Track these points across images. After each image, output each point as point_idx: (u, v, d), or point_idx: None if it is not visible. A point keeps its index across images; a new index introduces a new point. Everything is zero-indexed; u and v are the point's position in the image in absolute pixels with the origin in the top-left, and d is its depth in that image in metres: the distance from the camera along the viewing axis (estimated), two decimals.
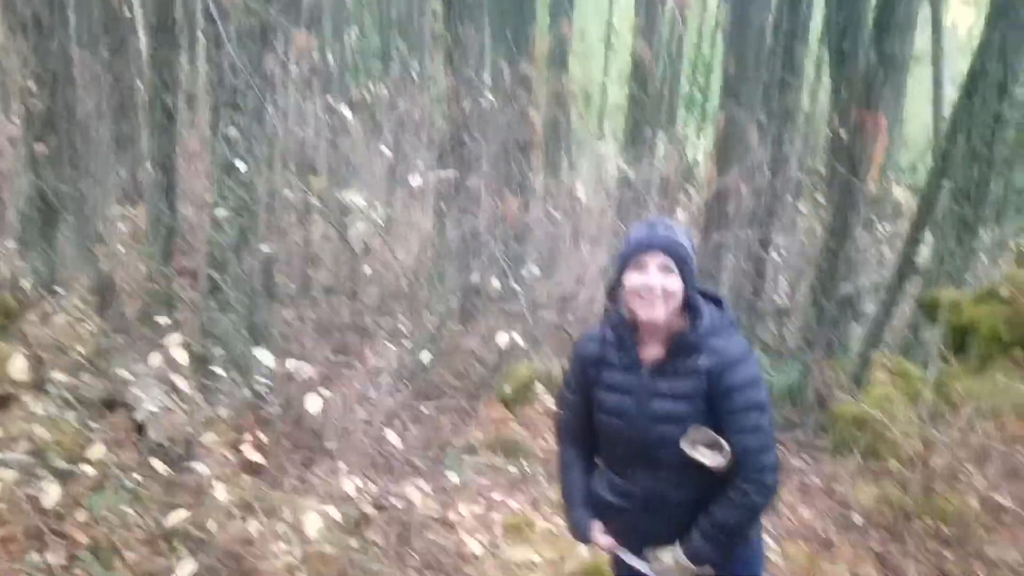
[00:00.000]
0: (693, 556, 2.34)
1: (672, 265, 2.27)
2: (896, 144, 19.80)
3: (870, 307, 13.53)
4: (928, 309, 7.91)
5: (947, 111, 11.05)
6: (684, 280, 2.28)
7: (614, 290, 2.41)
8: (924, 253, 10.11)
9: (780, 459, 2.37)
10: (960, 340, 6.95)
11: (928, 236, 10.30)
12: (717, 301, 2.42)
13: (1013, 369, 6.06)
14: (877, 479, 5.70)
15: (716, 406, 2.27)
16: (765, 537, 4.71)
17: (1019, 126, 15.83)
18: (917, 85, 23.30)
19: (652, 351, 2.36)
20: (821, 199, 13.04)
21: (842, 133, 8.04)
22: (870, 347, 8.31)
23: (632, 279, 2.30)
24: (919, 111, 26.80)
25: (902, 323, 9.97)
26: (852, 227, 8.67)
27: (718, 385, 2.26)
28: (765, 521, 4.96)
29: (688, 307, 2.32)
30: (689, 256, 2.32)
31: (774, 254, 11.46)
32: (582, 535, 2.57)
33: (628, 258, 2.31)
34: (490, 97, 7.15)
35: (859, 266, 14.91)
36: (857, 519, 4.85)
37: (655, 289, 2.26)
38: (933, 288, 7.86)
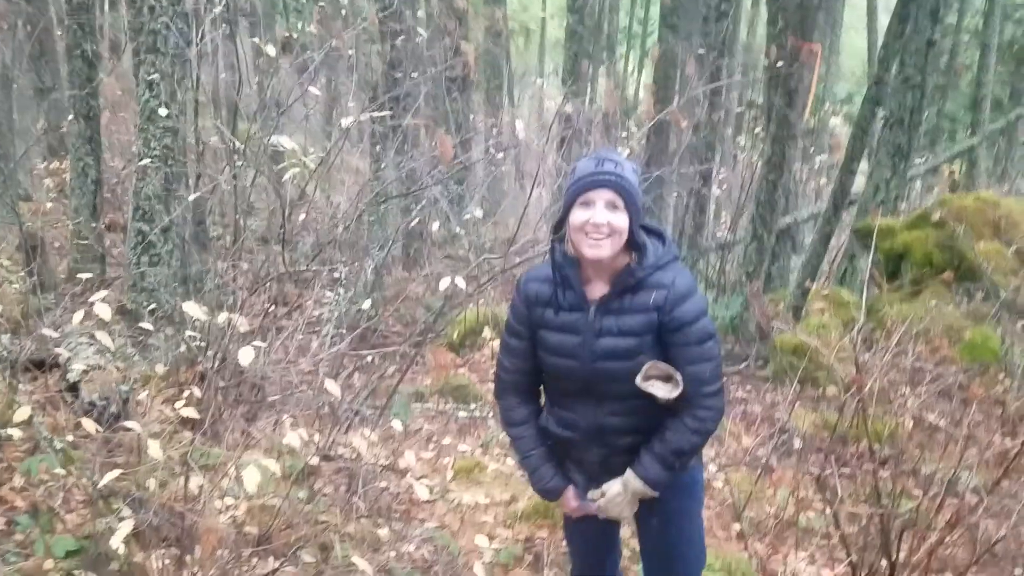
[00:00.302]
0: (643, 478, 2.36)
1: (619, 202, 2.23)
2: (832, 74, 20.01)
3: (808, 238, 13.81)
4: (863, 237, 8.07)
5: (880, 40, 11.13)
6: (630, 217, 2.25)
7: (560, 226, 2.37)
8: (859, 183, 10.30)
9: (724, 387, 2.40)
10: (894, 266, 7.13)
11: (863, 166, 10.48)
12: (660, 235, 2.40)
13: (944, 292, 6.24)
14: (815, 405, 5.87)
15: (667, 340, 2.28)
16: (710, 466, 4.83)
17: (952, 52, 16.08)
18: (853, 13, 23.47)
19: (597, 288, 2.34)
20: (759, 132, 13.15)
21: (778, 63, 8.02)
22: (808, 278, 8.46)
23: (578, 216, 2.25)
24: (854, 41, 27.05)
25: (839, 253, 10.18)
26: (790, 159, 8.72)
27: (669, 320, 2.25)
28: (710, 451, 5.07)
29: (633, 243, 2.30)
30: (636, 192, 2.28)
31: (715, 189, 11.56)
32: (551, 497, 2.56)
33: (575, 194, 2.27)
34: (422, 32, 6.94)
35: (797, 198, 15.16)
36: (797, 444, 4.98)
37: (602, 226, 2.22)
38: (868, 216, 8.00)
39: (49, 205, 9.71)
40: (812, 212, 12.33)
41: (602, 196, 2.23)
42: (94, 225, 7.95)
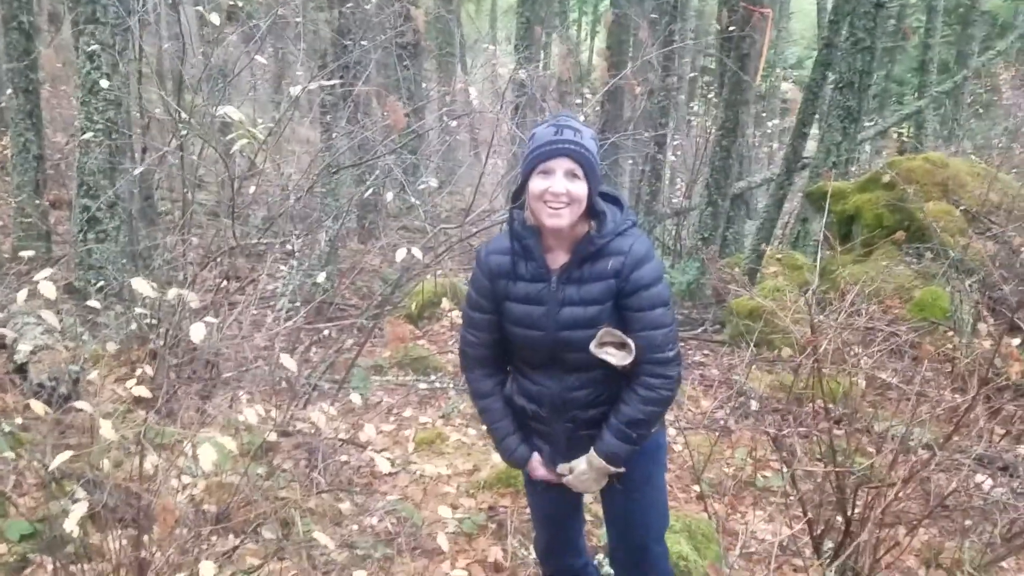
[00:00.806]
0: (606, 455, 2.37)
1: (579, 171, 2.21)
2: (783, 39, 20.16)
3: (762, 203, 13.97)
4: (815, 200, 8.17)
5: (830, 4, 11.22)
6: (589, 185, 2.23)
7: (519, 195, 2.34)
8: (811, 147, 10.42)
9: (681, 353, 2.40)
10: (846, 228, 7.24)
11: (815, 130, 10.60)
12: (617, 202, 2.39)
13: (895, 252, 6.35)
14: (771, 367, 5.96)
15: (621, 304, 2.27)
16: (669, 430, 4.89)
17: (899, 16, 16.26)
18: None
19: (559, 257, 2.32)
20: (713, 97, 13.22)
21: (730, 28, 8.04)
22: (762, 241, 8.57)
23: (537, 185, 2.23)
24: (803, 4, 27.24)
25: (792, 216, 10.32)
26: (743, 124, 8.79)
27: (625, 283, 2.25)
28: (669, 415, 5.11)
29: (592, 211, 2.28)
30: (595, 161, 2.26)
31: (670, 155, 11.60)
32: (519, 465, 2.56)
33: (533, 163, 2.24)
34: None
35: (750, 163, 15.32)
36: (754, 406, 5.06)
37: (561, 195, 2.20)
38: (820, 180, 8.10)
39: None
40: (765, 177, 12.47)
41: (561, 165, 2.21)
42: (37, 202, 7.72)
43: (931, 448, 2.98)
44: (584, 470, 2.43)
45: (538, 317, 2.31)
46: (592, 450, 2.40)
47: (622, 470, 2.40)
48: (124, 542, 2.95)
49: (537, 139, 2.26)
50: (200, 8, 5.39)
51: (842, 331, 3.46)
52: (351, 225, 9.92)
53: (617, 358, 2.27)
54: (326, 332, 5.34)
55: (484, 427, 2.62)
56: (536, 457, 2.52)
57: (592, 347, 2.27)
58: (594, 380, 2.34)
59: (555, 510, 2.67)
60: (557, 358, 2.33)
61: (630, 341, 2.26)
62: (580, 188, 2.22)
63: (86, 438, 3.79)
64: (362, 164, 6.27)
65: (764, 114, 18.10)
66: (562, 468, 2.49)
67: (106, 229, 5.68)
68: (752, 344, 4.37)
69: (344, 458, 4.46)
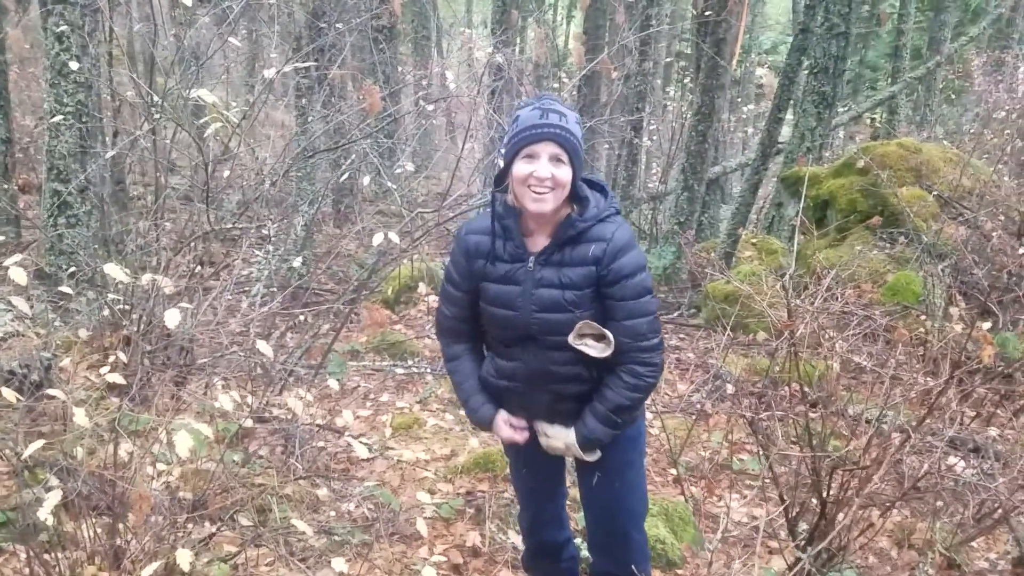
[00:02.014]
0: (586, 439, 2.38)
1: (563, 155, 2.21)
2: (758, 24, 20.22)
3: (737, 187, 14.03)
4: (790, 185, 8.23)
5: None
6: (573, 170, 2.23)
7: (503, 178, 2.32)
8: (785, 133, 10.47)
9: (662, 342, 2.41)
10: (820, 213, 7.29)
11: (789, 116, 10.65)
12: (602, 189, 2.38)
13: (868, 237, 6.41)
14: (746, 351, 6.01)
15: (604, 293, 2.27)
16: (646, 413, 4.91)
17: (873, 1, 16.34)
18: None
19: (539, 240, 2.32)
20: (688, 82, 13.24)
21: (707, 13, 8.04)
22: (738, 226, 8.61)
23: (522, 169, 2.22)
24: None
25: (766, 201, 10.38)
26: (719, 109, 8.81)
27: (607, 272, 2.25)
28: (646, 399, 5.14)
29: (575, 196, 2.27)
30: (580, 145, 2.25)
31: (646, 140, 11.62)
32: (484, 424, 2.55)
33: (517, 146, 2.22)
34: None
35: (725, 148, 15.37)
36: (729, 389, 5.10)
37: (545, 180, 2.19)
38: (795, 165, 8.15)
39: None
40: (740, 162, 12.52)
41: (546, 150, 2.20)
42: (6, 186, 7.57)
43: (905, 431, 3.02)
44: (559, 446, 2.45)
45: (513, 297, 2.31)
46: (573, 431, 2.40)
47: (596, 457, 2.41)
48: (99, 530, 2.93)
49: (522, 122, 2.24)
50: None
51: (818, 315, 3.49)
52: (327, 209, 9.85)
53: (596, 350, 2.28)
54: (302, 317, 5.30)
55: (453, 387, 2.62)
56: (502, 414, 2.51)
57: (571, 339, 2.28)
58: (572, 359, 2.33)
59: (539, 485, 2.69)
60: (534, 339, 2.33)
61: (609, 334, 2.26)
62: (565, 173, 2.21)
63: (59, 426, 3.75)
64: (338, 148, 6.21)
65: (739, 99, 18.17)
66: (540, 427, 2.49)
67: (77, 214, 5.59)
68: (728, 328, 4.39)
69: (321, 444, 4.44)
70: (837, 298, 3.92)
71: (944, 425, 3.49)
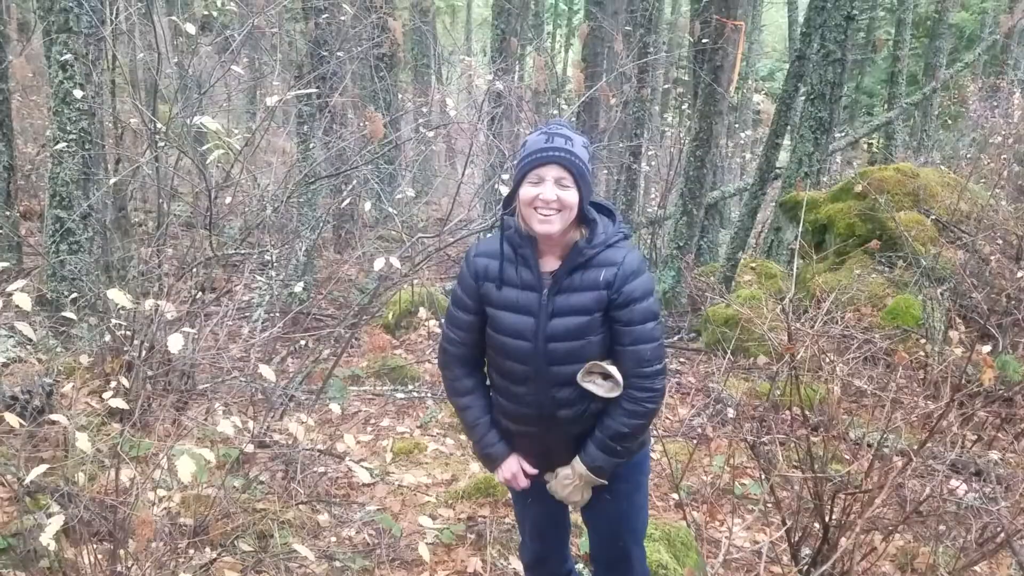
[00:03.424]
0: (591, 467, 2.37)
1: (568, 179, 2.22)
2: (754, 51, 20.40)
3: (734, 212, 14.09)
4: (788, 210, 8.27)
5: (801, 16, 11.37)
6: (580, 193, 2.24)
7: (510, 201, 2.34)
8: (783, 158, 10.55)
9: (665, 369, 2.41)
10: (819, 237, 7.33)
11: (787, 141, 10.73)
12: (609, 212, 2.40)
13: (867, 261, 6.44)
14: (747, 374, 6.01)
15: (612, 316, 2.27)
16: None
17: (868, 28, 16.50)
18: None
19: (548, 262, 2.33)
20: (686, 108, 13.34)
21: (704, 40, 8.13)
22: (737, 250, 8.64)
23: (528, 192, 2.24)
24: (775, 17, 27.57)
25: (765, 225, 10.42)
26: (716, 134, 8.86)
27: (617, 296, 2.25)
28: (648, 426, 5.13)
29: (583, 219, 2.29)
30: (586, 168, 2.27)
31: (644, 165, 11.68)
32: (495, 463, 2.51)
33: (524, 170, 2.24)
34: (348, 8, 6.78)
35: (723, 173, 15.46)
36: (730, 413, 5.09)
37: (551, 202, 2.21)
38: (792, 190, 8.20)
39: None
40: (739, 186, 12.59)
41: (551, 172, 2.22)
42: (8, 213, 7.61)
43: (906, 454, 3.02)
44: (568, 475, 2.42)
45: (525, 328, 2.30)
46: (576, 460, 2.40)
47: (606, 482, 2.41)
48: (99, 556, 2.91)
49: (528, 147, 2.27)
50: (175, 18, 5.36)
51: (819, 338, 3.51)
52: (327, 235, 9.88)
53: (604, 389, 2.28)
54: (302, 342, 5.31)
55: (463, 426, 2.60)
56: (513, 457, 2.49)
57: (579, 377, 2.28)
58: (582, 395, 2.32)
59: (544, 522, 2.67)
60: (542, 372, 2.31)
61: (617, 374, 2.26)
62: (571, 195, 2.23)
63: (59, 451, 3.74)
64: (339, 175, 6.26)
65: (737, 125, 18.30)
66: (547, 476, 2.49)
67: (79, 240, 5.62)
68: (729, 352, 4.40)
69: (321, 469, 4.43)
70: (837, 321, 3.93)
71: (945, 448, 3.49)
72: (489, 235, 2.46)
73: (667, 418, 5.44)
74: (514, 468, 2.49)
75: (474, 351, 2.47)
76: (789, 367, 3.26)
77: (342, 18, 7.03)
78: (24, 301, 2.88)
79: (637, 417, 2.30)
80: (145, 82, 8.82)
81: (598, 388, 2.28)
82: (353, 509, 4.07)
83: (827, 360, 3.88)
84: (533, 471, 2.50)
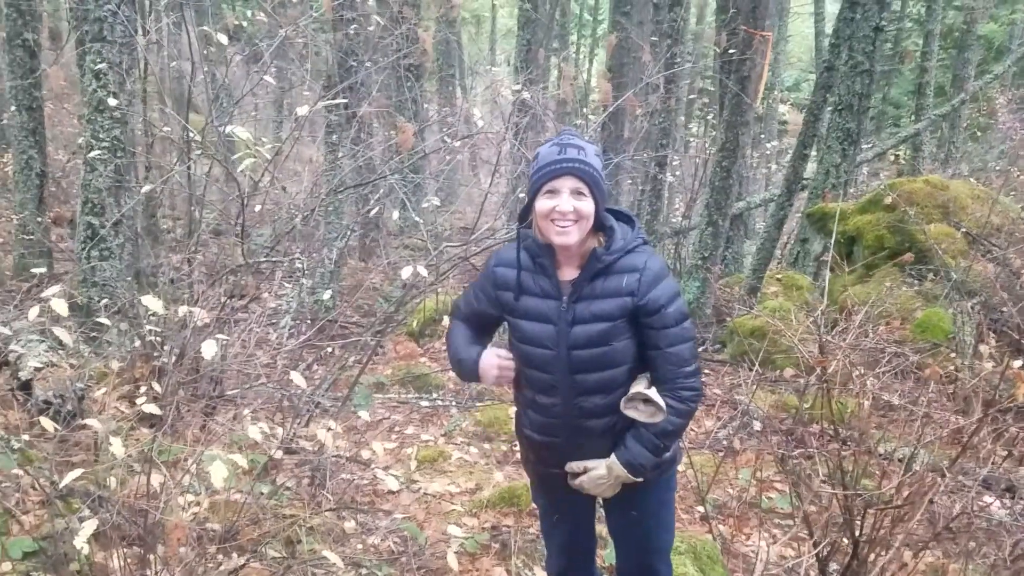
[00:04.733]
0: (629, 463, 2.34)
1: (584, 188, 2.23)
2: (780, 62, 20.32)
3: (759, 223, 14.01)
4: (816, 221, 8.22)
5: (828, 27, 11.31)
6: (596, 202, 2.25)
7: (526, 214, 2.35)
8: (810, 168, 10.48)
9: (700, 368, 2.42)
10: (847, 249, 7.27)
11: (813, 153, 10.66)
12: (629, 220, 2.40)
13: (896, 273, 6.37)
14: (773, 387, 5.96)
15: (643, 323, 2.27)
16: None
17: (896, 39, 16.41)
18: (798, 1, 23.82)
19: (567, 274, 2.33)
20: (711, 119, 13.30)
21: (730, 51, 8.11)
22: (763, 261, 8.59)
23: (544, 204, 2.25)
24: (801, 28, 27.45)
25: (791, 237, 10.36)
26: (743, 145, 8.83)
27: (645, 303, 2.25)
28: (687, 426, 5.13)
29: (601, 227, 2.30)
30: (600, 177, 2.28)
31: (669, 175, 11.66)
32: (473, 367, 2.43)
33: (539, 183, 2.26)
34: (378, 19, 6.84)
35: (749, 184, 15.39)
36: (757, 426, 5.06)
37: (568, 214, 2.22)
38: (819, 201, 8.14)
39: None
40: (764, 197, 12.52)
41: (567, 184, 2.23)
42: (40, 220, 7.74)
43: (938, 470, 2.98)
44: (603, 475, 2.39)
45: (547, 336, 2.31)
46: (613, 456, 2.37)
47: (639, 480, 2.39)
48: (129, 560, 2.94)
49: (541, 159, 2.28)
50: (206, 28, 5.44)
51: (850, 352, 3.47)
52: (352, 243, 9.94)
53: (646, 415, 2.29)
54: (329, 349, 5.34)
55: (449, 356, 2.58)
56: (489, 350, 2.44)
57: (621, 405, 2.30)
58: (609, 406, 2.32)
59: (571, 538, 2.66)
60: (566, 381, 2.32)
61: (658, 399, 2.27)
62: (587, 205, 2.24)
63: (90, 455, 3.79)
64: (367, 184, 6.30)
65: (762, 135, 18.21)
66: (574, 466, 2.43)
67: (110, 247, 5.69)
68: (756, 363, 4.37)
69: (347, 476, 4.45)
70: (868, 335, 3.89)
71: (977, 464, 3.44)
72: (512, 243, 2.46)
73: (693, 430, 5.41)
74: (493, 360, 2.42)
75: (477, 323, 2.54)
76: (820, 380, 3.23)
77: (370, 28, 7.09)
78: (61, 307, 2.93)
79: (681, 416, 2.32)
80: (174, 91, 8.94)
81: (640, 414, 2.29)
82: (378, 516, 4.09)
83: (858, 373, 3.84)
84: (510, 363, 2.43)
